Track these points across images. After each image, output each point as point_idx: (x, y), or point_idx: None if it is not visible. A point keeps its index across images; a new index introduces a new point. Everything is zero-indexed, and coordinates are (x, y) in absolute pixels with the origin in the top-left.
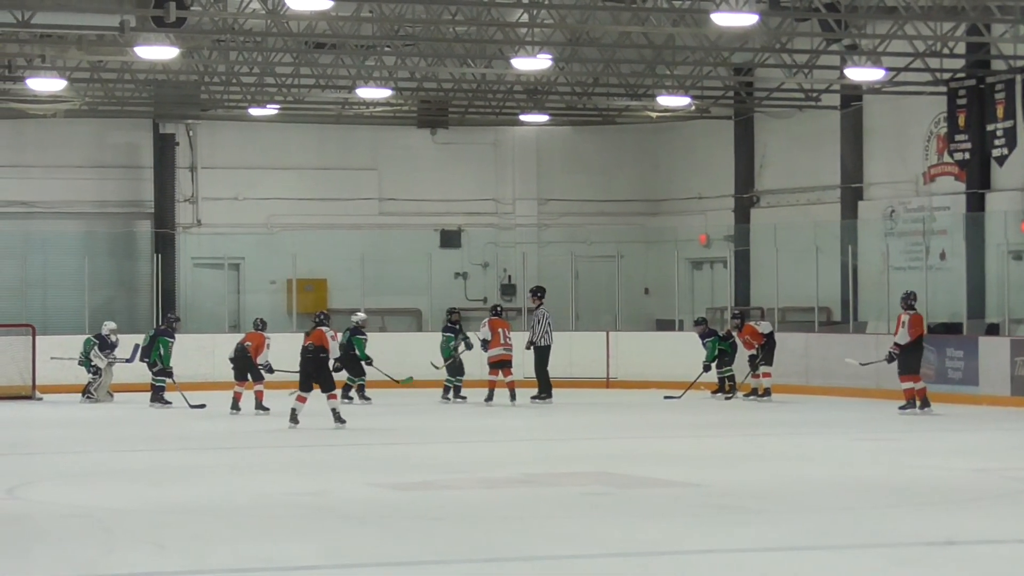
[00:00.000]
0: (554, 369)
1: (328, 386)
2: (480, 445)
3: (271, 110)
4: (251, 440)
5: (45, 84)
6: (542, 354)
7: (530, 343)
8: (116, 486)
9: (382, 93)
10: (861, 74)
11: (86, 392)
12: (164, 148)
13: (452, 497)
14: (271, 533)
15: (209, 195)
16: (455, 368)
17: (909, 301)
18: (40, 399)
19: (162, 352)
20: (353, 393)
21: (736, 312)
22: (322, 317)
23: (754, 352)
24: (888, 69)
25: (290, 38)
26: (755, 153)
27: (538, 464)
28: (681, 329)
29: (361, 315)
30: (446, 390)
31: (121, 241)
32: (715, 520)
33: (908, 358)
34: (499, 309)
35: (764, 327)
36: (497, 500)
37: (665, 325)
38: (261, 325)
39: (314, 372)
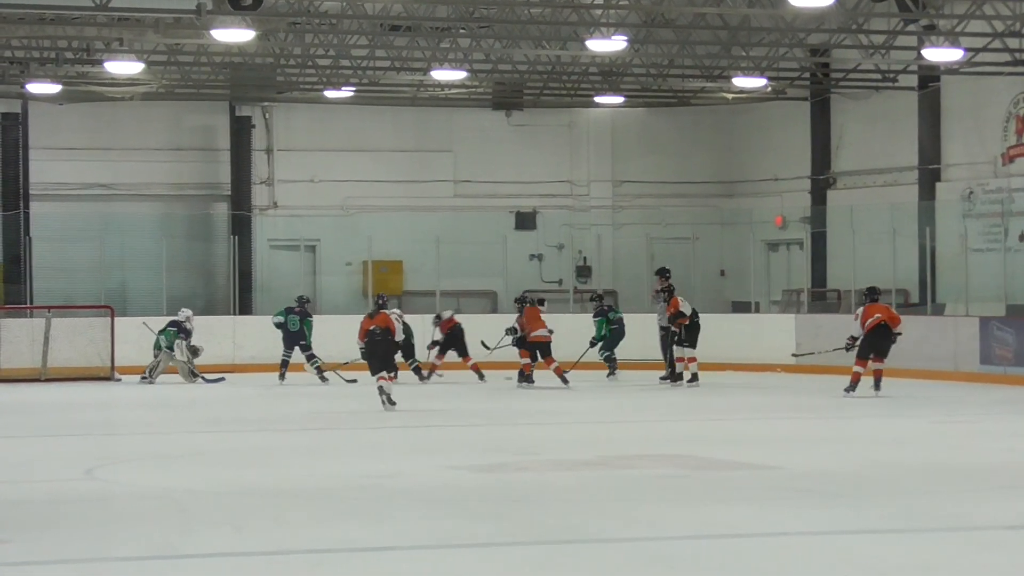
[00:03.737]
0: (629, 351)
1: (388, 368)
2: (553, 427)
3: (346, 92)
4: (328, 422)
5: (123, 67)
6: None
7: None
8: (194, 467)
9: (457, 75)
10: (939, 54)
11: (145, 375)
12: (240, 130)
13: (527, 479)
14: (347, 515)
15: (285, 177)
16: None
17: (872, 295)
18: (119, 380)
19: (306, 332)
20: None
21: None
22: (383, 300)
23: (677, 331)
24: (966, 49)
25: (365, 20)
26: (831, 134)
27: (612, 446)
28: (757, 311)
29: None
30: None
31: (198, 223)
32: (792, 503)
33: (863, 345)
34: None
35: (686, 307)
36: (572, 482)
37: (741, 307)
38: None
39: (381, 354)
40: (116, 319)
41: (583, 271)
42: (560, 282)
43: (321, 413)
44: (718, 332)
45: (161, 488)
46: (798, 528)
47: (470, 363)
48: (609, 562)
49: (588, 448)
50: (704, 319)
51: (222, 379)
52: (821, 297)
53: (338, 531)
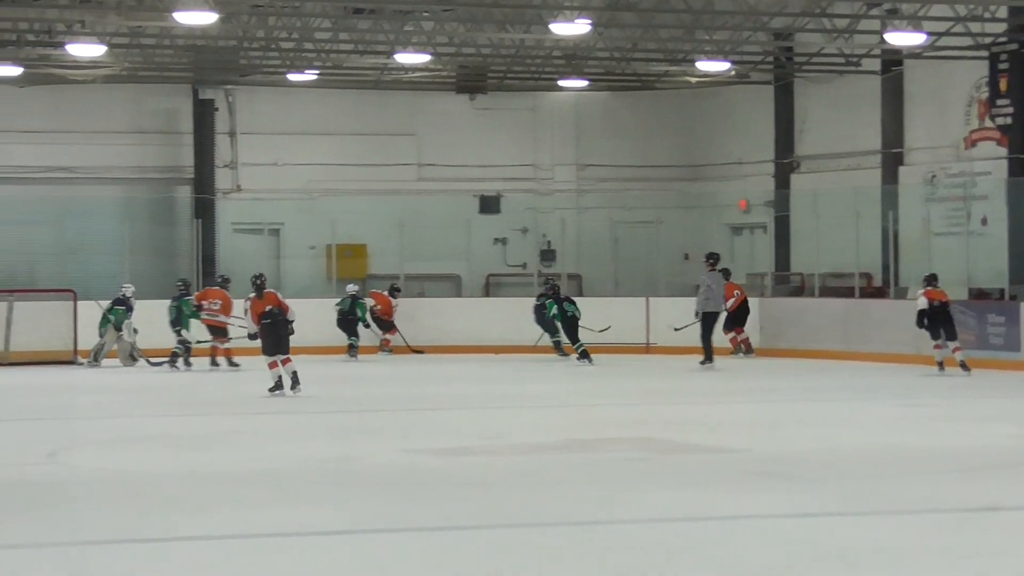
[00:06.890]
0: (594, 335)
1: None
2: (520, 411)
3: (310, 76)
4: (286, 405)
5: (85, 50)
6: (709, 320)
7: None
8: (153, 451)
9: (420, 58)
10: (902, 39)
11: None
12: (203, 114)
13: (489, 463)
14: (305, 498)
15: (248, 160)
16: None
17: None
18: (82, 364)
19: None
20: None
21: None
22: (263, 279)
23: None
24: (929, 33)
25: (328, 3)
26: (795, 118)
27: (578, 430)
28: None
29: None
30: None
31: (161, 207)
32: (751, 486)
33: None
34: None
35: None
36: (536, 466)
37: None
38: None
39: (282, 334)
40: (78, 303)
41: (547, 255)
42: (524, 265)
43: (277, 397)
44: (681, 316)
45: (120, 471)
46: (757, 511)
47: None
48: (558, 546)
49: (555, 432)
50: (666, 303)
51: (164, 363)
52: (784, 281)
53: (295, 513)
